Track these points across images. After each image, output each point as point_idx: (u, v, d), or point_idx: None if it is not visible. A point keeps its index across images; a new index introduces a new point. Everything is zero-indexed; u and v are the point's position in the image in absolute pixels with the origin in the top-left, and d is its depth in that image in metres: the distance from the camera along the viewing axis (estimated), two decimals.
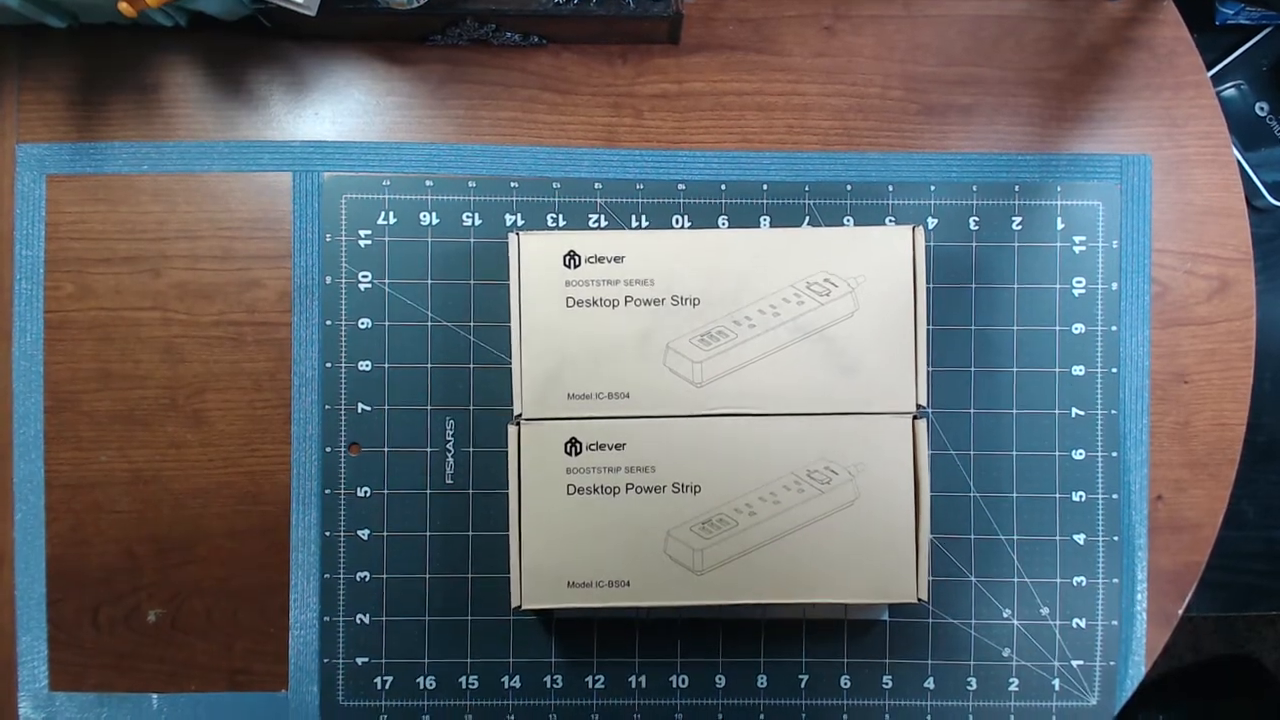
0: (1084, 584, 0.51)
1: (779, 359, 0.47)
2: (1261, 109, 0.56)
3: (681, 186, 0.52)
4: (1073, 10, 0.53)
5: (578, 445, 0.47)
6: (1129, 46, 0.52)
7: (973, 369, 0.52)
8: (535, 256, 0.47)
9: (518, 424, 0.46)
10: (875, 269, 0.47)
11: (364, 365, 0.51)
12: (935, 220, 0.52)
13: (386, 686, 0.51)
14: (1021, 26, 0.53)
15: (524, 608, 0.46)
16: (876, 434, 0.46)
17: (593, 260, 0.47)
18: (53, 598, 0.52)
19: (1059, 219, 0.52)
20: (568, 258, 0.47)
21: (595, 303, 0.47)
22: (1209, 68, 0.55)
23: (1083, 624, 0.51)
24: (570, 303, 0.47)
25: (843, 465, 0.46)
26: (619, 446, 0.47)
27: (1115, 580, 0.51)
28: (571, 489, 0.46)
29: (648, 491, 0.46)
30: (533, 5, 0.48)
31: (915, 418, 0.46)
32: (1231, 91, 0.56)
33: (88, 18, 0.51)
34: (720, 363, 0.47)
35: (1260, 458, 0.57)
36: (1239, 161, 0.53)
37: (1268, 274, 0.56)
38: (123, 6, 0.43)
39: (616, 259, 0.47)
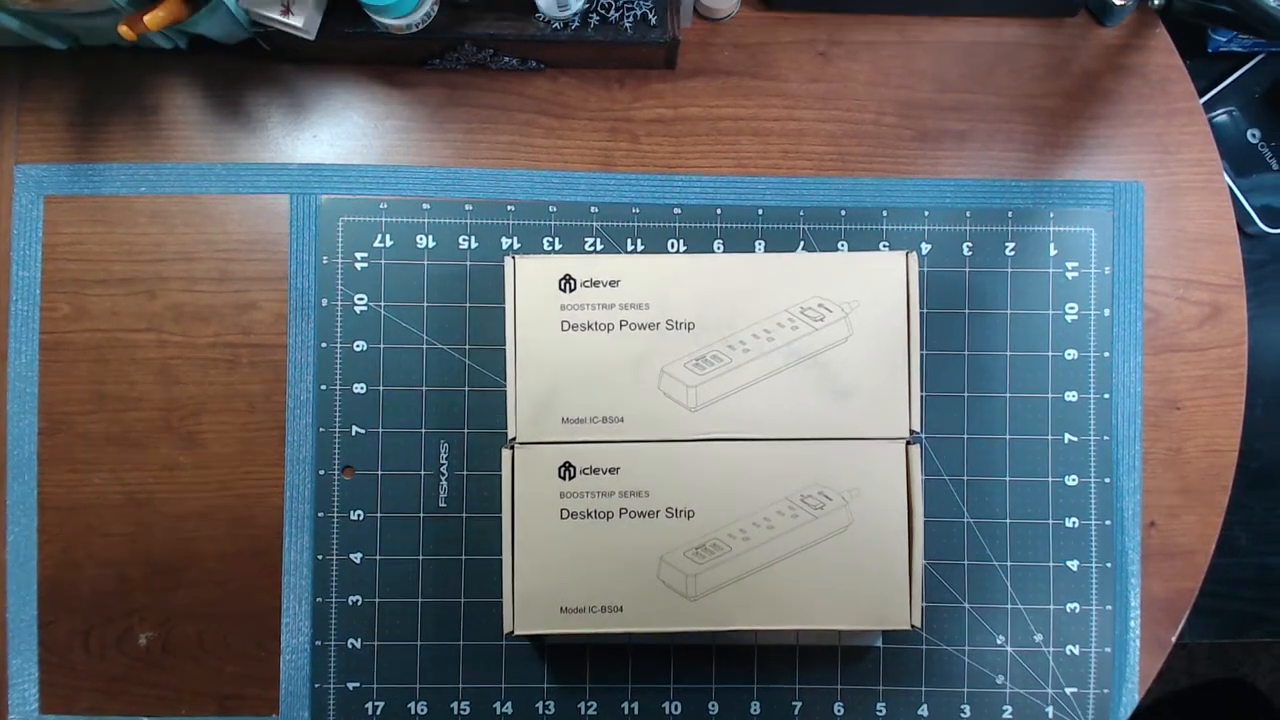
0: (1077, 610, 0.51)
1: (773, 384, 0.47)
2: (1254, 135, 0.56)
3: (677, 210, 0.53)
4: (1066, 37, 0.53)
5: (571, 469, 0.47)
6: (1122, 73, 0.53)
7: (966, 394, 0.52)
8: (531, 280, 0.47)
9: (511, 448, 0.46)
10: (869, 294, 0.47)
11: (359, 388, 0.51)
12: (929, 245, 0.52)
13: (378, 712, 0.51)
14: (1016, 53, 0.53)
15: (517, 633, 0.45)
16: (870, 459, 0.46)
17: (588, 284, 0.47)
18: (44, 620, 0.51)
19: (1052, 245, 0.52)
20: (563, 281, 0.47)
21: (590, 326, 0.47)
22: (1201, 94, 0.55)
23: (1076, 651, 0.51)
24: (565, 326, 0.47)
25: (836, 490, 0.46)
26: (613, 471, 0.47)
27: (1109, 607, 0.51)
28: (565, 513, 0.46)
29: (641, 516, 0.46)
30: (530, 31, 0.48)
31: (909, 443, 0.46)
32: (1223, 118, 0.57)
33: (89, 40, 0.51)
34: (715, 387, 0.47)
35: (1253, 484, 0.57)
36: (1231, 188, 0.54)
37: (1259, 300, 0.56)
38: (123, 30, 0.43)
39: (612, 283, 0.47)
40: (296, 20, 0.45)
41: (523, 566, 0.46)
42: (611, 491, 0.47)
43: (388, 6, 0.44)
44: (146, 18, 0.42)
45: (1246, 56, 0.56)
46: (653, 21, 0.48)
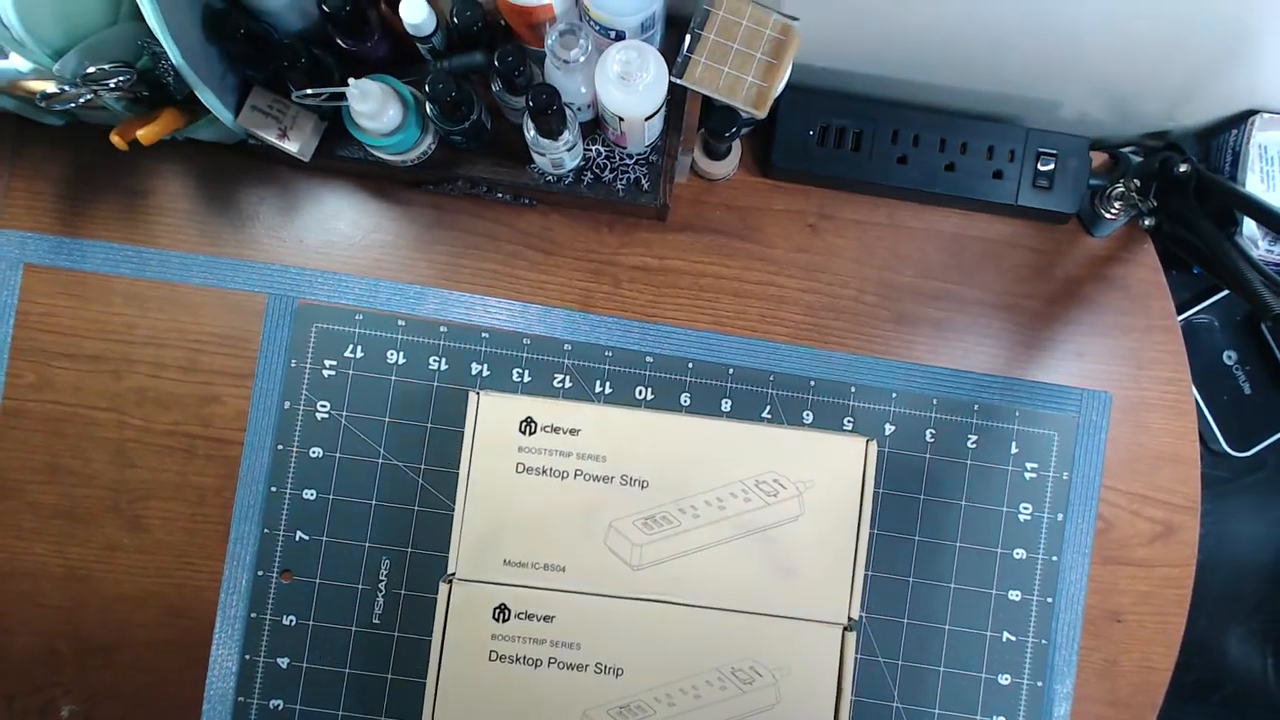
0: None
1: (719, 553, 0.47)
2: (1230, 357, 0.56)
3: (649, 359, 0.53)
4: (1054, 241, 0.53)
5: (506, 612, 0.47)
6: (1105, 284, 0.53)
7: (911, 579, 0.52)
8: (492, 418, 0.47)
9: (449, 583, 0.46)
10: (826, 476, 0.47)
11: (309, 494, 0.52)
12: (893, 427, 0.53)
13: None
14: (1002, 250, 0.53)
15: None
16: (806, 641, 0.47)
17: (548, 430, 0.47)
18: None
19: (1014, 443, 0.52)
20: (524, 424, 0.47)
21: (545, 471, 0.47)
22: (1184, 308, 0.56)
23: None
24: (520, 468, 0.47)
25: (768, 667, 0.46)
26: (548, 619, 0.47)
27: None
28: (494, 655, 0.46)
29: (570, 668, 0.46)
30: (524, 179, 0.48)
31: (846, 629, 0.46)
32: (1202, 335, 0.57)
33: (86, 118, 0.51)
34: (660, 548, 0.47)
35: (1187, 698, 0.57)
36: (1199, 404, 0.54)
37: (1215, 515, 0.57)
38: (115, 140, 0.43)
39: (572, 431, 0.47)
40: (292, 146, 0.45)
41: (444, 706, 0.46)
42: (544, 639, 0.47)
43: (386, 146, 0.45)
44: (140, 133, 0.42)
45: None
46: (645, 186, 0.48)
